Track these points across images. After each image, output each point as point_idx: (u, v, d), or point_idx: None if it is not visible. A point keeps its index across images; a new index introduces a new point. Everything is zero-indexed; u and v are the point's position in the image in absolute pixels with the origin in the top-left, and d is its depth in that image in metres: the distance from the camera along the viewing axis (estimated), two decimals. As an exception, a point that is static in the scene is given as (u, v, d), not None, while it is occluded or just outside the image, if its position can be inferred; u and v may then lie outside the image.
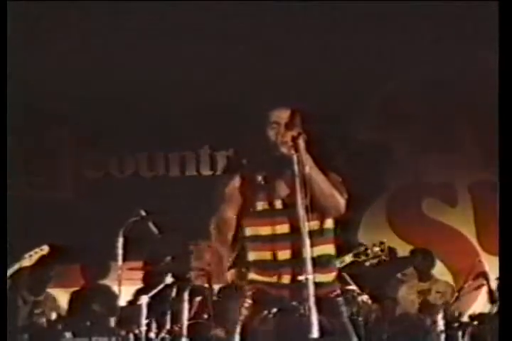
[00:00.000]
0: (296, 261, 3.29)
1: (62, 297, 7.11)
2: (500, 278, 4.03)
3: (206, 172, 7.98)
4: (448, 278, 7.31)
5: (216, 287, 6.29)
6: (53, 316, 6.57)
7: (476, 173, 7.63)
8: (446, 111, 7.52)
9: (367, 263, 5.80)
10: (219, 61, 7.18)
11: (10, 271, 5.55)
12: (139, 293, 6.59)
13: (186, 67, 7.22)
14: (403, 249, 7.32)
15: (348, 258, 5.70)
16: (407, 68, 7.27)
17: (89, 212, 7.43)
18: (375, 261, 5.76)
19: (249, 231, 3.60)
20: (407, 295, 6.96)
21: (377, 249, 5.69)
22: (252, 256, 3.58)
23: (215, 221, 3.65)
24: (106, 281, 7.22)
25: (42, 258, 5.77)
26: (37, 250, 5.74)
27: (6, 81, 4.55)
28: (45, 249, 5.76)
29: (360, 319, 5.75)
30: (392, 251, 7.15)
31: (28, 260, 5.72)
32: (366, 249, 5.67)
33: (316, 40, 6.97)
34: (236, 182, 3.61)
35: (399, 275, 7.17)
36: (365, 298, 5.85)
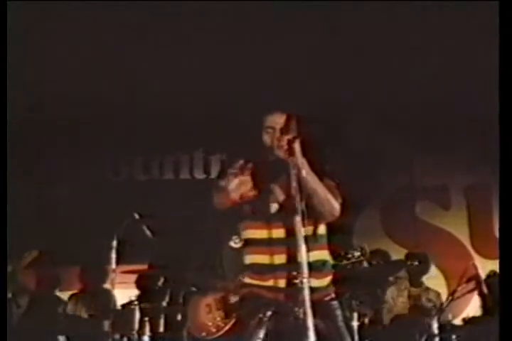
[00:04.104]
0: (292, 265, 3.30)
1: (57, 300, 7.09)
2: (501, 280, 4.02)
3: (200, 175, 7.99)
4: (441, 281, 7.32)
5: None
6: (47, 319, 6.55)
7: (470, 176, 7.64)
8: (442, 114, 7.52)
9: (365, 264, 5.79)
10: (214, 65, 7.18)
11: None
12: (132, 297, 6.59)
13: (182, 72, 7.21)
14: (397, 253, 7.32)
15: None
16: (404, 70, 7.26)
17: (84, 215, 7.42)
18: (356, 264, 5.74)
19: (245, 235, 3.61)
20: (398, 297, 6.96)
21: (357, 253, 5.65)
22: (248, 259, 3.59)
23: None
24: (100, 285, 7.20)
25: (36, 261, 5.74)
26: (26, 254, 5.70)
27: (6, 81, 4.53)
28: (35, 253, 5.72)
29: (354, 323, 5.75)
30: (385, 254, 7.18)
31: (17, 264, 5.68)
32: (346, 253, 5.64)
33: (312, 44, 6.96)
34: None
35: (391, 278, 7.17)
36: (358, 301, 5.85)
